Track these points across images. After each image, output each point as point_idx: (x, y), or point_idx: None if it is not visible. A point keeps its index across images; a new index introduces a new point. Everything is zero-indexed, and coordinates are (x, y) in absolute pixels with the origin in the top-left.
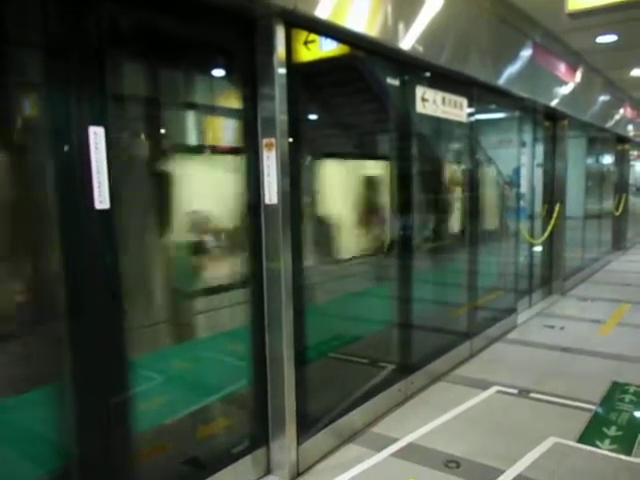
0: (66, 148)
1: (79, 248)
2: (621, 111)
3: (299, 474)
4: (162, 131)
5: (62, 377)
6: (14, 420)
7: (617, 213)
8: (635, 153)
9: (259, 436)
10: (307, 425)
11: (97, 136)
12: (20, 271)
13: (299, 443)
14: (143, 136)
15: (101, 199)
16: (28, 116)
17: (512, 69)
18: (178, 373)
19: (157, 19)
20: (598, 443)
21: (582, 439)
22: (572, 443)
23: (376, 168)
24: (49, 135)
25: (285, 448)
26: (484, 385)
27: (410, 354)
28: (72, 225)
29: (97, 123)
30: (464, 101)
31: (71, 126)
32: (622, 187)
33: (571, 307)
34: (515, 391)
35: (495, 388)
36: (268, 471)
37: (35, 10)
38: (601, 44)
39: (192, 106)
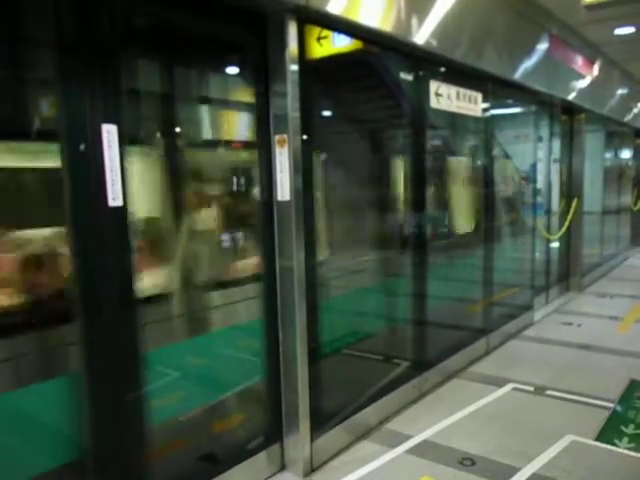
0: (81, 146)
1: (92, 245)
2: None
3: (313, 470)
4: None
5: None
6: None
7: (635, 208)
8: None
9: (273, 432)
10: (321, 421)
11: (110, 134)
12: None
13: (313, 439)
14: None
15: (114, 196)
16: (41, 115)
17: (528, 63)
18: None
19: (169, 16)
20: (616, 441)
21: (600, 437)
22: (589, 441)
23: None
24: (63, 133)
25: (299, 444)
26: (500, 382)
27: (425, 350)
28: (85, 222)
29: (110, 121)
30: (479, 96)
31: (84, 124)
32: None
33: (589, 304)
34: (531, 388)
35: (511, 385)
36: (282, 467)
37: (48, 8)
38: (619, 36)
39: (204, 102)
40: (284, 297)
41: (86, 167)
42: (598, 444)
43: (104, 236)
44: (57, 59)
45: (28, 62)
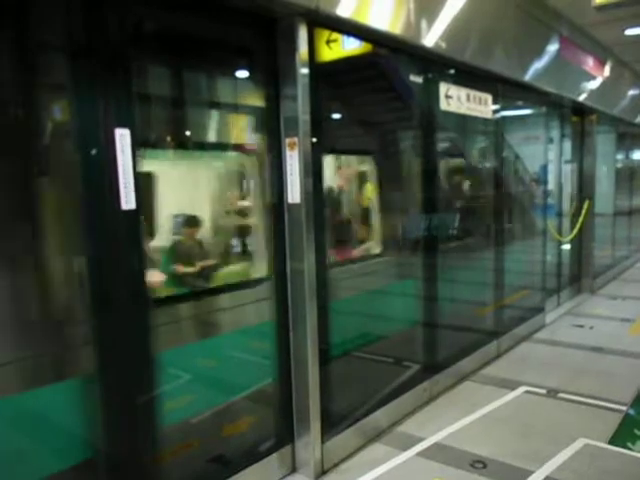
0: (93, 151)
1: (105, 248)
2: None
3: (324, 472)
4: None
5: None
6: None
7: None
8: None
9: (284, 434)
10: (332, 424)
11: (123, 138)
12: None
13: (323, 441)
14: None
15: (127, 200)
16: (55, 119)
17: (538, 64)
18: None
19: (180, 21)
20: (629, 445)
21: (613, 441)
22: (602, 444)
23: None
24: (76, 137)
25: (310, 446)
26: (512, 385)
27: (436, 353)
28: (99, 225)
29: (123, 125)
30: (489, 97)
31: (98, 128)
32: None
33: (601, 306)
34: (544, 391)
35: (523, 388)
36: (293, 469)
37: (60, 13)
38: (630, 36)
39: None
40: (295, 299)
41: (99, 171)
42: (611, 447)
43: (117, 239)
44: (69, 63)
45: (40, 67)
